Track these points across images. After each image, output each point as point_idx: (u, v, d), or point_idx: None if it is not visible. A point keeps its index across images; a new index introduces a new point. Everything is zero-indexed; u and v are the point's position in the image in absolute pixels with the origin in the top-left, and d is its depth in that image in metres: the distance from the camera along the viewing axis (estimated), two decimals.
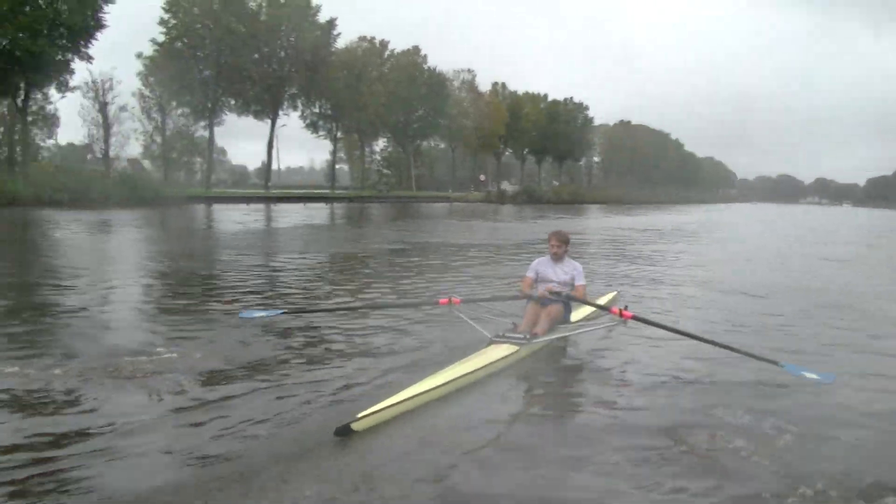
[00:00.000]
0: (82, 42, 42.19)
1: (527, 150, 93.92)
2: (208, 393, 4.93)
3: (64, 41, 41.57)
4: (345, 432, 4.25)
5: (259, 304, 8.50)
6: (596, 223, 36.32)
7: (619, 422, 4.65)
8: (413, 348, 6.38)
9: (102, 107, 55.08)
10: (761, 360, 5.49)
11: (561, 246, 6.61)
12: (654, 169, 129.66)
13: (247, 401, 4.79)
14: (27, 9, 38.73)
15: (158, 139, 59.73)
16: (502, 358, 5.78)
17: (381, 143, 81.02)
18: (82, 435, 4.15)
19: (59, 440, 4.07)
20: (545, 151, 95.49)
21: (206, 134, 61.46)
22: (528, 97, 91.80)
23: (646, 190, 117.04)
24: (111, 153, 55.90)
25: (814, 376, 5.08)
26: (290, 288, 10.29)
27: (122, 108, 56.44)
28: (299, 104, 67.08)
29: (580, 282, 6.59)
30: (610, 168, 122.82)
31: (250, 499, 3.41)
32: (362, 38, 72.65)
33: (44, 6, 39.79)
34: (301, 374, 5.50)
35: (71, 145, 76.65)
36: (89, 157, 65.71)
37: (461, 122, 78.45)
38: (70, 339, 6.46)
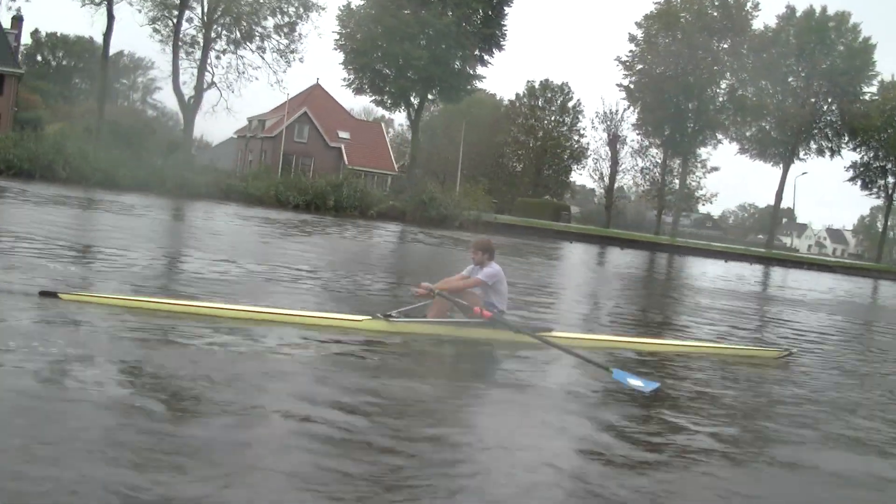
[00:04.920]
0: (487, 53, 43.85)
1: None
2: None
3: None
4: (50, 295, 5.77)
5: None
6: None
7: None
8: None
9: (613, 139, 52.83)
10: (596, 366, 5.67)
11: (477, 254, 6.96)
12: None
13: None
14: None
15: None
16: (331, 318, 6.49)
17: None
18: None
19: None
20: None
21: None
22: None
23: None
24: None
25: (639, 384, 5.28)
26: None
27: (622, 141, 53.44)
28: (825, 148, 53.71)
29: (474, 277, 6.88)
30: None
31: None
32: None
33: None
34: None
35: None
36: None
37: None
38: None
